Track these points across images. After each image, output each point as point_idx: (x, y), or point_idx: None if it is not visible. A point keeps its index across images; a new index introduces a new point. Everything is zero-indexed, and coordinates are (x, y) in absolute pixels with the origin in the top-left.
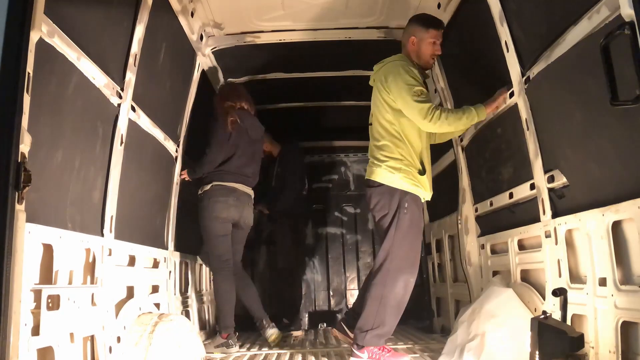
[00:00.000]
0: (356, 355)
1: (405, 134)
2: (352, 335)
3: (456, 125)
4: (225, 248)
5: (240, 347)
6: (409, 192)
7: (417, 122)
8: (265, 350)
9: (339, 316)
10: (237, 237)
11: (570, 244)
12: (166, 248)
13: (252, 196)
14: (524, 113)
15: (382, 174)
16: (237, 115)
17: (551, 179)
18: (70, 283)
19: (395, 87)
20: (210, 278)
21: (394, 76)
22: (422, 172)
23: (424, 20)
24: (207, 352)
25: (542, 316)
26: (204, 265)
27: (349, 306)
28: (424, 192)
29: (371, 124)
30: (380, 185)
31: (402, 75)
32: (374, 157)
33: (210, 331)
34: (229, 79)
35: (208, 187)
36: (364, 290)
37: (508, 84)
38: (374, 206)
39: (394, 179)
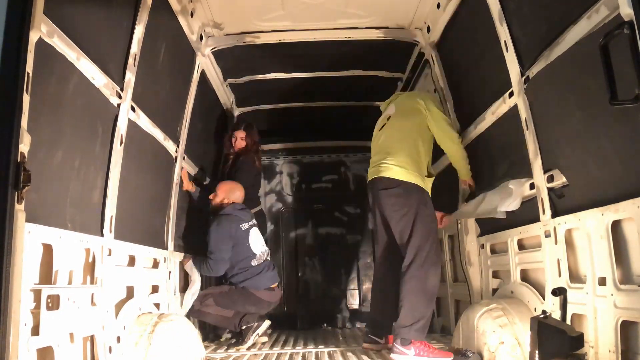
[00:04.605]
0: (401, 352)
1: (422, 147)
2: (382, 341)
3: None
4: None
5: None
6: (425, 189)
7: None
8: (265, 350)
9: (339, 316)
10: None
11: (569, 244)
12: (166, 248)
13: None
14: (524, 113)
15: (399, 173)
16: None
17: (551, 179)
18: (70, 283)
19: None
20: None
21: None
22: (428, 175)
23: None
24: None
25: (542, 315)
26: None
27: (349, 306)
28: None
29: (382, 129)
30: (399, 184)
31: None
32: (390, 157)
33: (210, 331)
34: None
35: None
36: (380, 297)
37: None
38: (392, 205)
39: (412, 177)
